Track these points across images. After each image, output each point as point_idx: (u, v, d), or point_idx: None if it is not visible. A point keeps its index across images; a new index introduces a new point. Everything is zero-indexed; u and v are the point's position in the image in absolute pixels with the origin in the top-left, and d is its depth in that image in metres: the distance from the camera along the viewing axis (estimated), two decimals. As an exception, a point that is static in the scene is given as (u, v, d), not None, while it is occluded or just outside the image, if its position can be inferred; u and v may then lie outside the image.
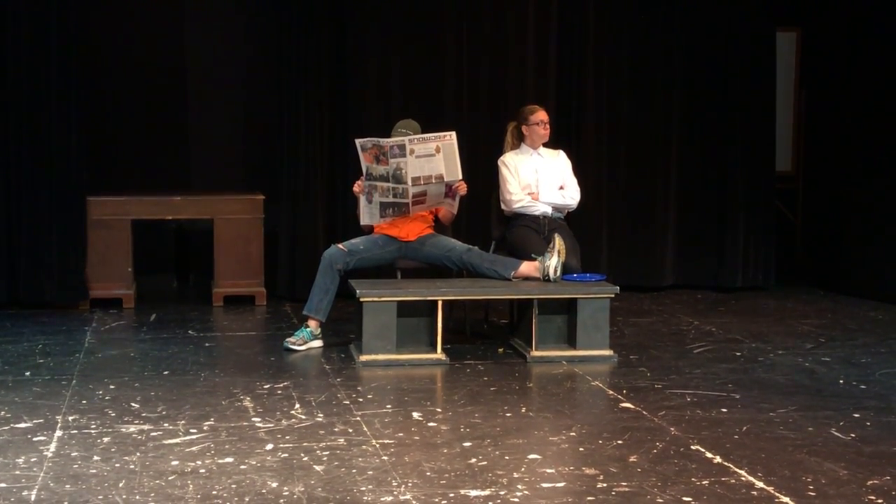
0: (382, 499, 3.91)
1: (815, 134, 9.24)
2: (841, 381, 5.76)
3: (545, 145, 6.89)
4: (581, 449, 4.56)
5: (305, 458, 4.35)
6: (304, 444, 4.55)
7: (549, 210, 6.77)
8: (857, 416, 5.07)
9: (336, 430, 4.76)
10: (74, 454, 4.37)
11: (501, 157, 6.87)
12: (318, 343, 6.43)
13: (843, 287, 8.48)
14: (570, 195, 6.84)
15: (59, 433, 4.65)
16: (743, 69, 8.55)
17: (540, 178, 6.79)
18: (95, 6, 8.20)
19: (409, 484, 4.07)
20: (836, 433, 4.80)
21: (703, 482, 4.12)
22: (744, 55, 8.55)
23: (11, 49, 7.38)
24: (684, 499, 3.94)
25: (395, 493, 3.98)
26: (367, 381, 5.71)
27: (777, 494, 4.00)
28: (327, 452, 4.43)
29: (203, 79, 8.98)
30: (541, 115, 6.82)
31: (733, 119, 8.59)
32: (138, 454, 4.38)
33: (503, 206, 6.87)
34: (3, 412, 4.96)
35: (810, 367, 6.08)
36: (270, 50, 8.36)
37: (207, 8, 8.99)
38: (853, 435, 4.77)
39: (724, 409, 5.16)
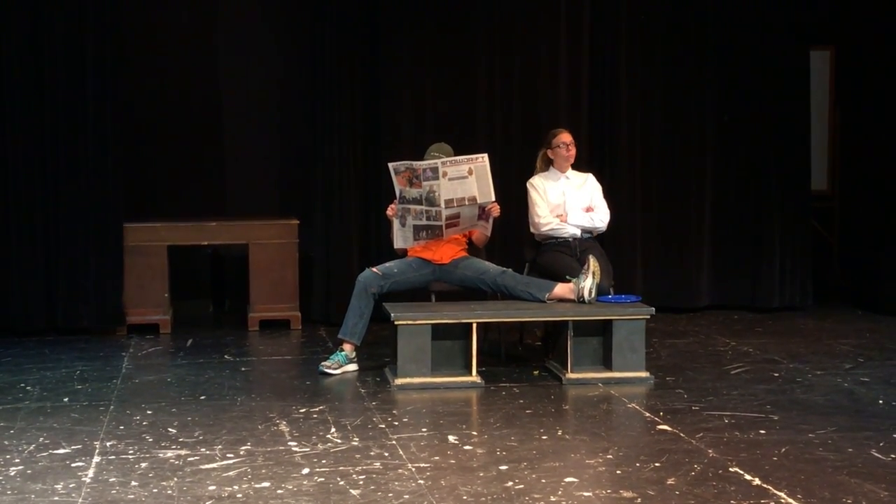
0: (419, 523, 3.92)
1: (851, 152, 9.18)
2: (880, 402, 5.70)
3: (576, 169, 6.90)
4: (618, 472, 4.53)
5: (341, 483, 4.35)
6: (340, 468, 4.55)
7: (577, 232, 6.76)
8: (897, 436, 5.03)
9: (372, 453, 4.76)
10: (112, 480, 4.40)
11: (530, 180, 6.89)
12: (353, 367, 6.44)
13: (882, 306, 8.39)
14: (599, 217, 6.83)
15: (97, 459, 4.68)
16: (777, 88, 8.50)
17: (567, 200, 6.79)
18: (132, 33, 8.28)
19: (446, 508, 4.06)
20: (876, 454, 4.74)
21: (742, 504, 4.09)
22: (777, 74, 8.50)
23: (48, 76, 7.47)
24: (723, 521, 3.92)
25: (431, 516, 3.97)
26: (402, 404, 5.71)
27: (817, 517, 3.97)
28: (363, 476, 4.43)
29: (237, 105, 9.04)
30: (563, 138, 6.83)
31: (768, 138, 8.54)
32: (176, 479, 4.40)
33: (532, 229, 6.87)
34: (41, 438, 5.00)
35: (849, 388, 6.02)
36: (304, 76, 8.41)
37: (242, 34, 9.05)
38: (893, 456, 4.71)
39: (762, 431, 5.12)
